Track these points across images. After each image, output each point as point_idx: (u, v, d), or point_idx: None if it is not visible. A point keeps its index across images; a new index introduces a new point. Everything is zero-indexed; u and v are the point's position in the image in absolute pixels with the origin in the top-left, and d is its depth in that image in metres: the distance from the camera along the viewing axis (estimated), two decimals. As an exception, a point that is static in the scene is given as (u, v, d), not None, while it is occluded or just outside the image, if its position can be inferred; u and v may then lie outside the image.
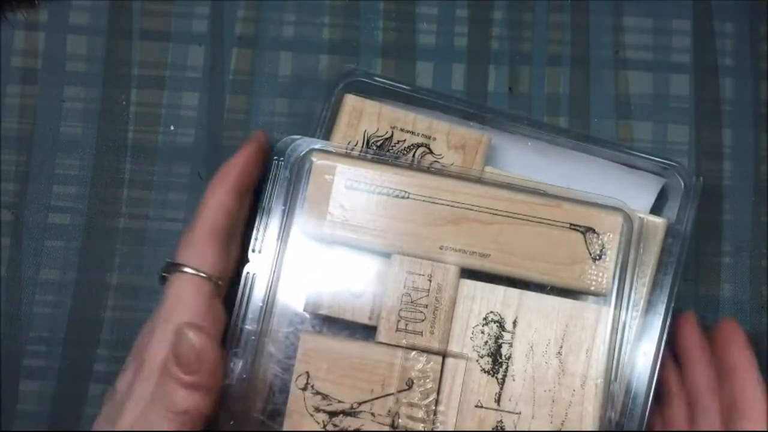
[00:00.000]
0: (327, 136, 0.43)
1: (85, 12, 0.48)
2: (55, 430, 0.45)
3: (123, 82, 0.48)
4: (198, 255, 0.38)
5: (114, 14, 0.48)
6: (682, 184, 0.43)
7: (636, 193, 0.44)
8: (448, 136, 0.43)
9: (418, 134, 0.43)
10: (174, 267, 0.38)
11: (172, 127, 0.48)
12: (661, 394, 0.43)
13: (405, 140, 0.43)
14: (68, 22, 0.48)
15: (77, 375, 0.46)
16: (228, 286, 0.41)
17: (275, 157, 0.41)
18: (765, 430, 0.38)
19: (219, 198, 0.39)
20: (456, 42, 0.49)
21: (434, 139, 0.43)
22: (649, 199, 0.45)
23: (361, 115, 0.43)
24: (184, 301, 0.38)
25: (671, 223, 0.43)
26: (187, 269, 0.38)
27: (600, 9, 0.49)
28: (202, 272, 0.38)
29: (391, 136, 0.43)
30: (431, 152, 0.42)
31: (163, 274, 0.39)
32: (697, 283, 0.47)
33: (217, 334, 0.39)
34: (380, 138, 0.42)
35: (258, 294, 0.40)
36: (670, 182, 0.45)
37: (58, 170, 0.47)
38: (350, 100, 0.43)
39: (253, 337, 0.39)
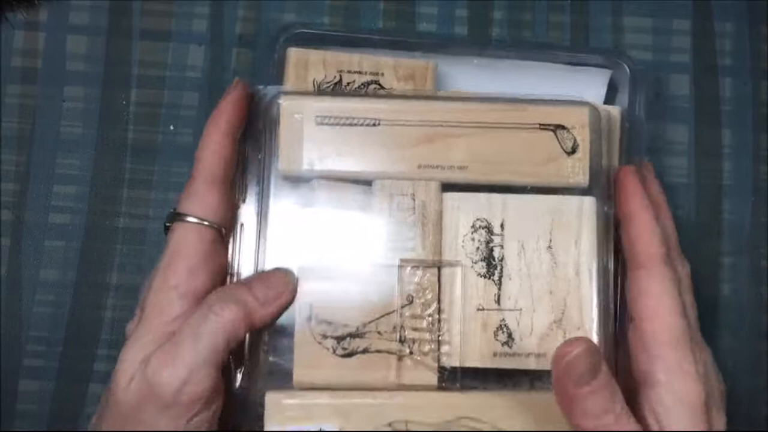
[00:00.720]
0: None
1: (85, 12, 0.48)
2: (55, 430, 0.45)
3: (123, 81, 0.48)
4: (200, 203, 0.39)
5: (114, 14, 0.48)
6: (628, 70, 0.44)
7: (586, 89, 0.45)
8: (395, 70, 0.43)
9: (365, 73, 0.43)
10: (177, 216, 0.39)
11: (172, 127, 0.48)
12: None
13: (354, 81, 0.43)
14: (68, 22, 0.48)
15: (77, 375, 0.46)
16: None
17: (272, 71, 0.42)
18: (659, 272, 0.39)
19: (215, 144, 0.40)
20: (456, 42, 0.49)
21: (382, 74, 0.43)
22: (600, 92, 0.45)
23: (307, 66, 0.43)
24: (186, 249, 0.38)
25: (625, 109, 0.44)
26: (189, 218, 0.39)
27: (600, 9, 0.49)
28: (205, 220, 0.39)
29: (340, 80, 0.43)
30: (382, 87, 0.43)
31: (167, 224, 0.39)
32: (696, 283, 0.47)
33: (221, 279, 0.40)
34: (329, 84, 0.43)
35: (249, 242, 0.41)
36: (616, 72, 0.45)
37: (58, 170, 0.47)
38: (293, 53, 0.43)
39: None
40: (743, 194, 0.48)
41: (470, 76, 0.45)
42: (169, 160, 0.47)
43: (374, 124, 0.40)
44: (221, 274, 0.40)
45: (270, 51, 0.43)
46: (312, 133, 0.40)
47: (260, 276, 0.39)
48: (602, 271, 0.40)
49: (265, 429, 0.38)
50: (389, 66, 0.43)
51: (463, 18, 0.49)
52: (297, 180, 0.41)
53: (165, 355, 0.36)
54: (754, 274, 0.48)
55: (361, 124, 0.40)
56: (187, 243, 0.38)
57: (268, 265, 0.40)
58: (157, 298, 0.38)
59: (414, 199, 0.40)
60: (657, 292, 0.38)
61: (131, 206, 0.47)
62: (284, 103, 0.40)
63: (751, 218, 0.48)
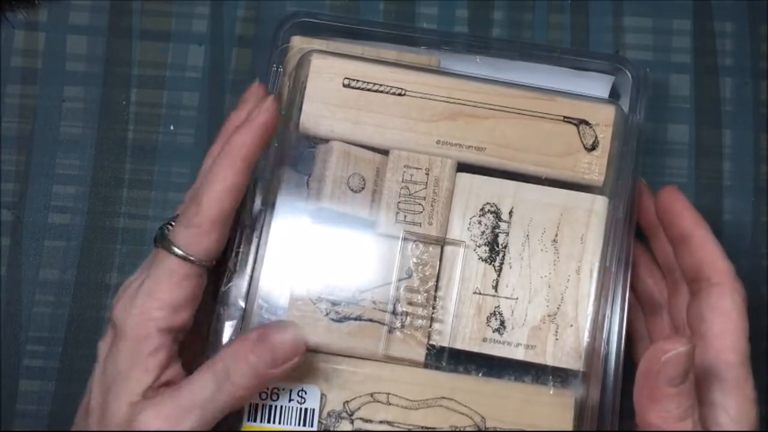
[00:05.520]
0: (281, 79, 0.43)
1: (85, 12, 0.48)
2: (55, 430, 0.45)
3: (123, 82, 0.48)
4: (196, 241, 0.36)
5: (114, 14, 0.48)
6: (630, 77, 0.44)
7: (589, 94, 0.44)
8: (398, 62, 0.43)
9: None
10: (170, 243, 0.36)
11: (172, 127, 0.48)
12: (646, 308, 0.43)
13: None
14: (68, 22, 0.48)
15: (77, 375, 0.46)
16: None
17: (274, 65, 0.42)
18: (733, 288, 0.38)
19: (227, 180, 0.36)
20: (456, 42, 0.49)
21: None
22: (603, 98, 0.45)
23: None
24: (173, 284, 0.36)
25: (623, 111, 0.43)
26: (184, 254, 0.36)
27: (600, 9, 0.49)
28: (197, 260, 0.36)
29: None
30: None
31: (156, 242, 0.38)
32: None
33: (197, 309, 0.38)
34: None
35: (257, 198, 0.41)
36: (619, 79, 0.45)
37: (58, 170, 0.47)
38: (297, 42, 0.43)
39: (256, 238, 0.40)
40: (743, 194, 0.48)
41: (473, 72, 0.45)
42: (169, 160, 0.47)
43: (400, 94, 0.41)
44: (198, 306, 0.38)
45: (273, 38, 0.43)
46: (338, 94, 0.41)
47: (273, 333, 0.36)
48: (603, 273, 0.40)
49: None
50: (391, 58, 0.43)
51: (463, 18, 0.49)
52: (315, 139, 0.41)
53: (162, 410, 0.35)
54: (754, 274, 0.48)
55: (387, 92, 0.41)
56: (175, 278, 0.36)
57: (276, 219, 0.40)
58: (135, 323, 0.36)
59: (428, 174, 0.40)
60: (728, 309, 0.38)
61: (131, 206, 0.47)
62: (315, 61, 0.41)
63: (751, 218, 0.48)
